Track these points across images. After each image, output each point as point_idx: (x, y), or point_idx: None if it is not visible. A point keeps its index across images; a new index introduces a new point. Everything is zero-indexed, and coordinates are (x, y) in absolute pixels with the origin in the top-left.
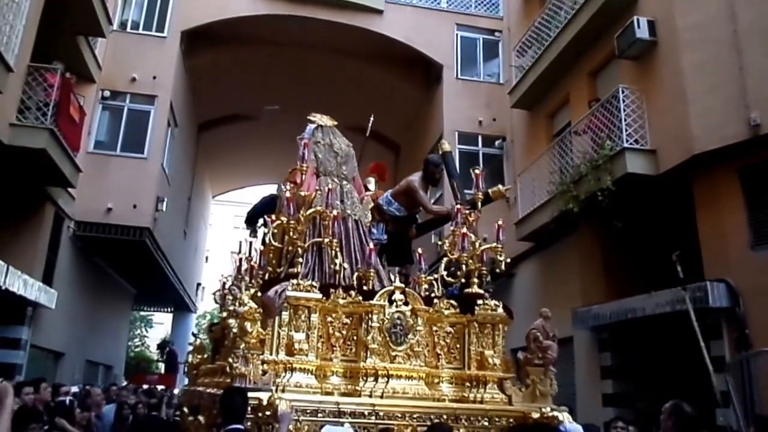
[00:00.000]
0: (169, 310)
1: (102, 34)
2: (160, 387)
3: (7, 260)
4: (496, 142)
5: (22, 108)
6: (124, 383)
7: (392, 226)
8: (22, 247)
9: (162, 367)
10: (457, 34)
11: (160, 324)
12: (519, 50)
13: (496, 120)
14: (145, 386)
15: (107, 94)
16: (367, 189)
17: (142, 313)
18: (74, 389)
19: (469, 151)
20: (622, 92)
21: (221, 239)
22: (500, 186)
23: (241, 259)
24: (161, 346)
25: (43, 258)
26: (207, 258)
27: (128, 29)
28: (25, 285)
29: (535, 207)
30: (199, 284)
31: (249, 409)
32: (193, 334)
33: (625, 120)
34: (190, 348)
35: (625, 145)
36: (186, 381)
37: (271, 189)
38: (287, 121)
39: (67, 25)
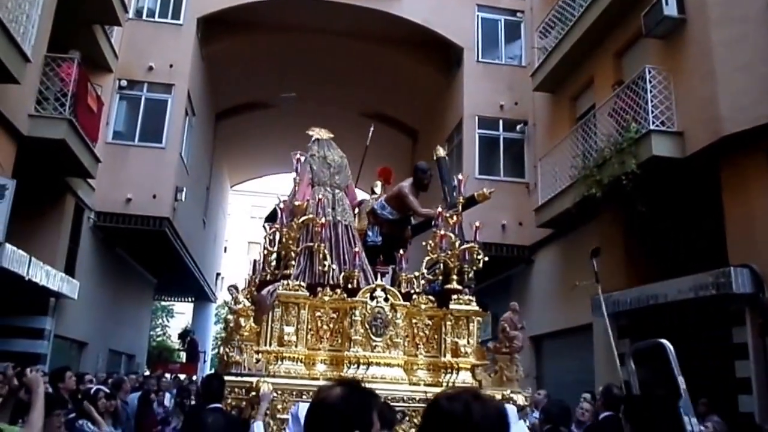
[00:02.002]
0: (189, 299)
1: (118, 23)
2: (182, 375)
3: (30, 251)
4: (518, 127)
5: (40, 99)
6: (147, 372)
7: (387, 228)
8: (43, 238)
9: (183, 356)
10: (477, 16)
11: (181, 314)
12: (542, 31)
13: (518, 104)
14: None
15: (124, 83)
16: (373, 192)
17: (163, 303)
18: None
19: (490, 135)
20: (649, 72)
21: (240, 229)
22: (485, 189)
23: (255, 261)
24: (182, 336)
25: (64, 249)
26: (226, 248)
27: (144, 17)
28: (47, 276)
29: (556, 192)
30: (218, 274)
31: (243, 391)
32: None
33: (652, 101)
34: (214, 338)
35: (651, 127)
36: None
37: (289, 178)
38: (305, 108)
39: (83, 15)
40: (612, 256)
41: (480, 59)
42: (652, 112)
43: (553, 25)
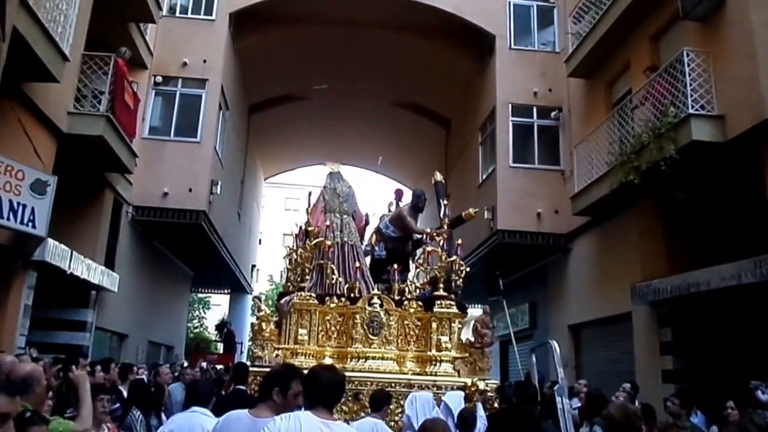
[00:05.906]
0: (225, 291)
1: (152, 20)
2: (219, 366)
3: (71, 246)
4: (552, 113)
5: (78, 96)
6: (185, 362)
7: (391, 244)
8: (84, 233)
9: (221, 347)
10: (509, 2)
11: (218, 305)
12: (575, 16)
13: (552, 90)
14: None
15: (159, 79)
16: (389, 210)
17: (199, 295)
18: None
19: (524, 123)
20: (687, 55)
21: (274, 221)
22: (471, 209)
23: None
24: (219, 327)
25: (104, 243)
26: (260, 240)
27: (177, 14)
28: (88, 269)
29: (593, 180)
30: (253, 266)
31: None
32: None
33: (691, 85)
34: (250, 329)
35: (691, 111)
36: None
37: (321, 170)
38: (338, 100)
39: (119, 13)
40: (651, 243)
41: (512, 46)
42: (692, 95)
43: (586, 9)
